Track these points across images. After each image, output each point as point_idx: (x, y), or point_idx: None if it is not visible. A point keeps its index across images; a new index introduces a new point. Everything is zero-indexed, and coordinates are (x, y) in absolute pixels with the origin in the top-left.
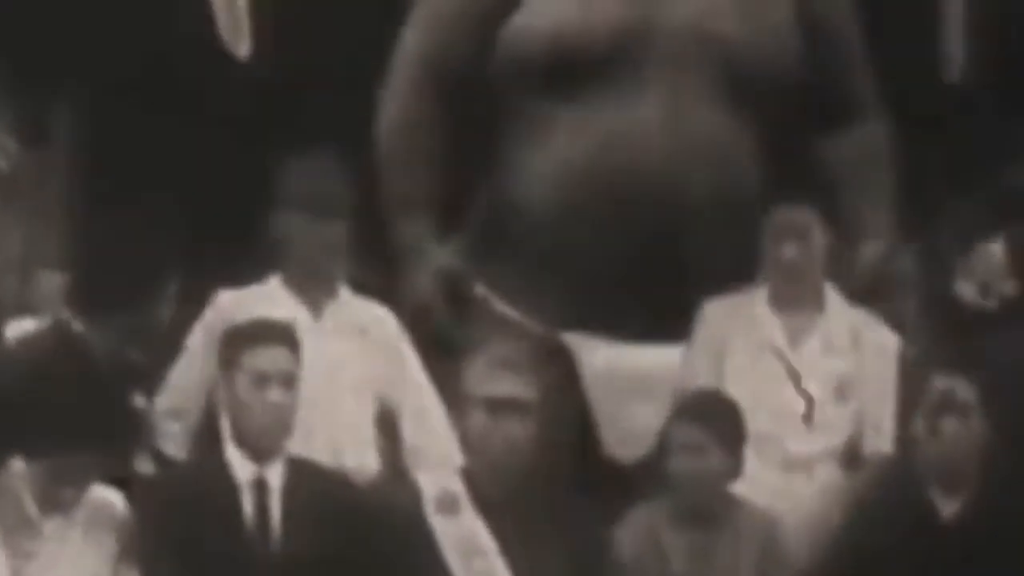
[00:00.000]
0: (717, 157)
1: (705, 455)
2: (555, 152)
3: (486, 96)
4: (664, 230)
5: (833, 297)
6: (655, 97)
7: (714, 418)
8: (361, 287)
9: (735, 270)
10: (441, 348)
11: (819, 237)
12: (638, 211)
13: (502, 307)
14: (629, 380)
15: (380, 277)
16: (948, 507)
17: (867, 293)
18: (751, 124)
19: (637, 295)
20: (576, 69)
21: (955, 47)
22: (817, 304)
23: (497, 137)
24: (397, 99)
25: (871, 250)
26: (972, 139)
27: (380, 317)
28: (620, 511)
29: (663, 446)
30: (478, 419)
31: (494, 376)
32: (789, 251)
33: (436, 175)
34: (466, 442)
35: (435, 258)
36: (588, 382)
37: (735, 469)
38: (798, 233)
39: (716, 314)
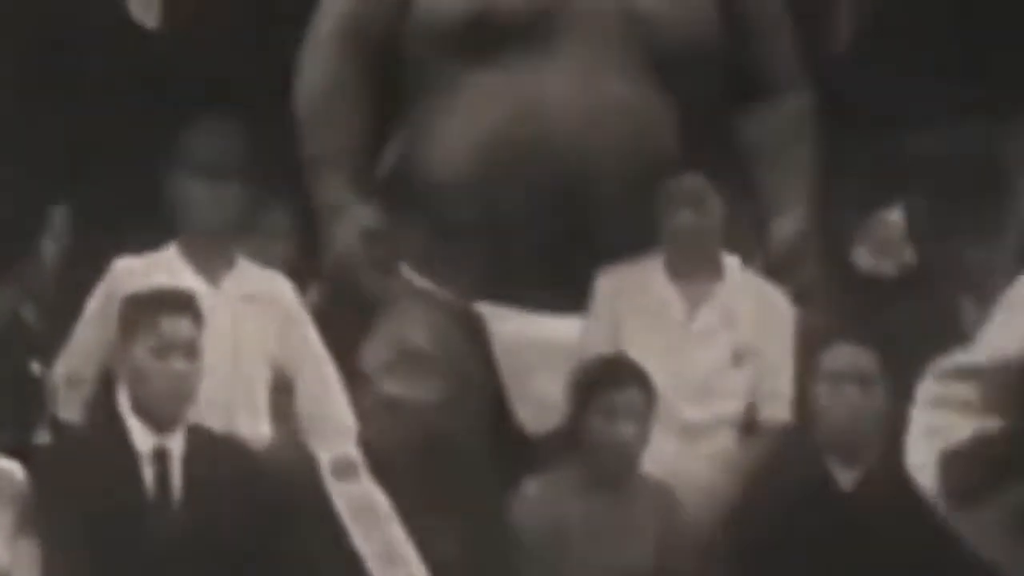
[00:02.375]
0: (632, 128)
1: (623, 422)
2: (468, 119)
3: (403, 59)
4: (575, 200)
5: (731, 265)
6: (571, 66)
7: (631, 385)
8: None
9: (646, 241)
10: (363, 306)
11: (715, 205)
12: (549, 180)
13: (413, 275)
14: (539, 350)
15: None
16: (847, 476)
17: (782, 268)
18: (670, 97)
19: (548, 265)
20: (493, 35)
21: (849, 16)
22: (715, 272)
23: (412, 102)
24: (317, 62)
25: (785, 226)
26: (870, 108)
27: (277, 285)
28: (522, 481)
29: (575, 413)
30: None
31: (393, 373)
32: (684, 219)
33: (356, 137)
34: (363, 411)
35: (359, 216)
36: (498, 352)
37: (647, 436)
38: (693, 201)
39: (612, 283)
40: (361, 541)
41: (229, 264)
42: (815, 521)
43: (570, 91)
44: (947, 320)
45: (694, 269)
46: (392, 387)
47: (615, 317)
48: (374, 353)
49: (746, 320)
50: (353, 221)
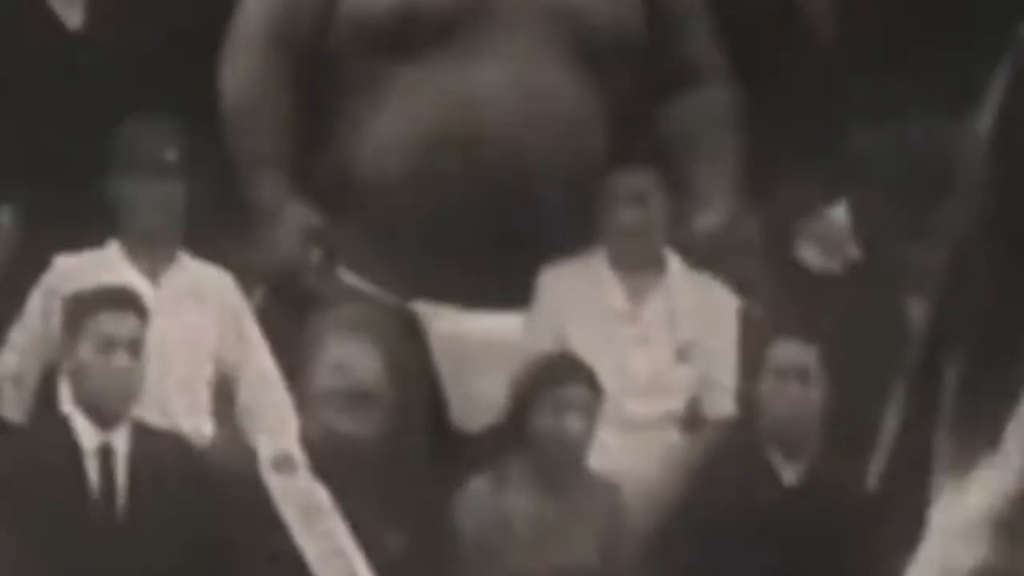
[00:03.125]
0: (564, 120)
1: (570, 419)
2: (401, 117)
3: (331, 58)
4: (510, 195)
5: (674, 261)
6: (501, 59)
7: (578, 382)
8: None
9: (582, 235)
10: (304, 306)
11: (658, 201)
12: (484, 177)
13: (349, 276)
14: (477, 347)
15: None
16: (789, 472)
17: (706, 261)
18: (597, 88)
19: (485, 261)
20: (421, 32)
21: (801, 12)
22: (658, 266)
23: (342, 100)
24: (243, 61)
25: (708, 218)
26: (815, 103)
27: (219, 281)
28: (465, 479)
29: (520, 410)
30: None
31: (341, 408)
32: (626, 216)
33: (289, 137)
34: (308, 435)
35: (298, 216)
36: (436, 350)
37: (593, 433)
38: (636, 198)
39: (556, 279)
40: (302, 536)
41: (170, 260)
42: (758, 515)
43: (502, 86)
44: (891, 317)
45: (637, 265)
46: (338, 421)
47: (559, 313)
48: (322, 379)
49: (690, 316)
50: (293, 221)
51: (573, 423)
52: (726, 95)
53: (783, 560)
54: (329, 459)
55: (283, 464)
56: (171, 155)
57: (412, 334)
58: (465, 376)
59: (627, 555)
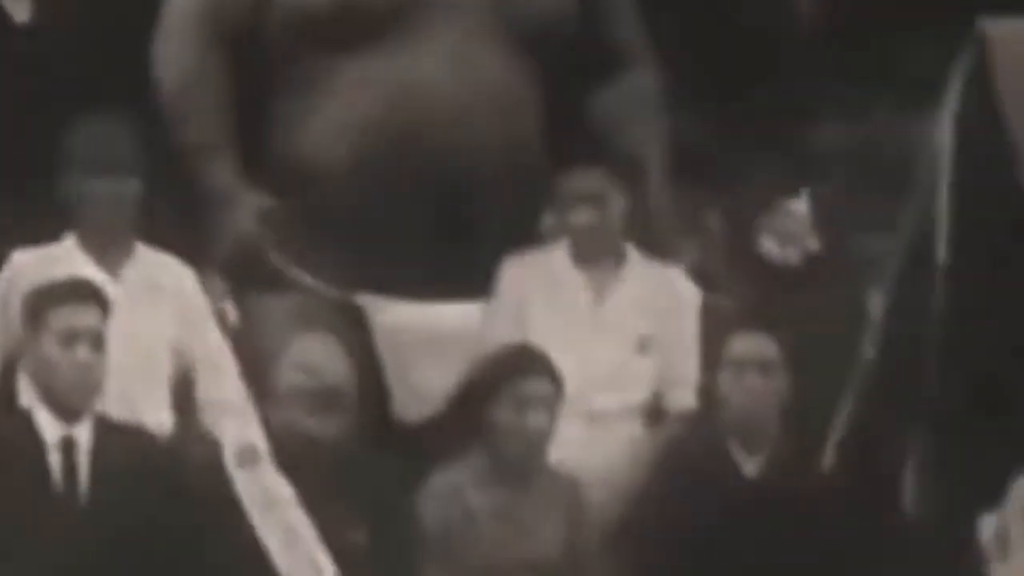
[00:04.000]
0: (503, 108)
1: (533, 412)
2: (342, 109)
3: (270, 50)
4: (452, 184)
5: (635, 252)
6: (439, 48)
7: (540, 375)
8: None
9: (521, 224)
10: (263, 295)
11: (614, 201)
12: (424, 166)
13: (292, 270)
14: (420, 339)
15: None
16: (750, 463)
17: (653, 244)
18: (532, 74)
19: (426, 252)
20: (359, 23)
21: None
22: (619, 259)
23: (282, 92)
24: (177, 50)
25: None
26: (777, 98)
27: (177, 273)
28: (412, 470)
29: (480, 403)
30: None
31: (306, 406)
32: (584, 216)
33: (231, 126)
34: (270, 405)
35: (253, 200)
36: (379, 342)
37: (554, 427)
38: (592, 198)
39: (517, 271)
40: (265, 528)
41: (128, 253)
42: (719, 508)
43: (440, 75)
44: (850, 309)
45: (598, 258)
46: (304, 421)
47: (520, 305)
48: (287, 377)
49: (651, 308)
50: (248, 205)
51: (534, 418)
52: (651, 80)
53: (744, 551)
54: (293, 454)
55: (246, 456)
56: (124, 150)
57: (358, 326)
58: (406, 367)
59: (590, 548)
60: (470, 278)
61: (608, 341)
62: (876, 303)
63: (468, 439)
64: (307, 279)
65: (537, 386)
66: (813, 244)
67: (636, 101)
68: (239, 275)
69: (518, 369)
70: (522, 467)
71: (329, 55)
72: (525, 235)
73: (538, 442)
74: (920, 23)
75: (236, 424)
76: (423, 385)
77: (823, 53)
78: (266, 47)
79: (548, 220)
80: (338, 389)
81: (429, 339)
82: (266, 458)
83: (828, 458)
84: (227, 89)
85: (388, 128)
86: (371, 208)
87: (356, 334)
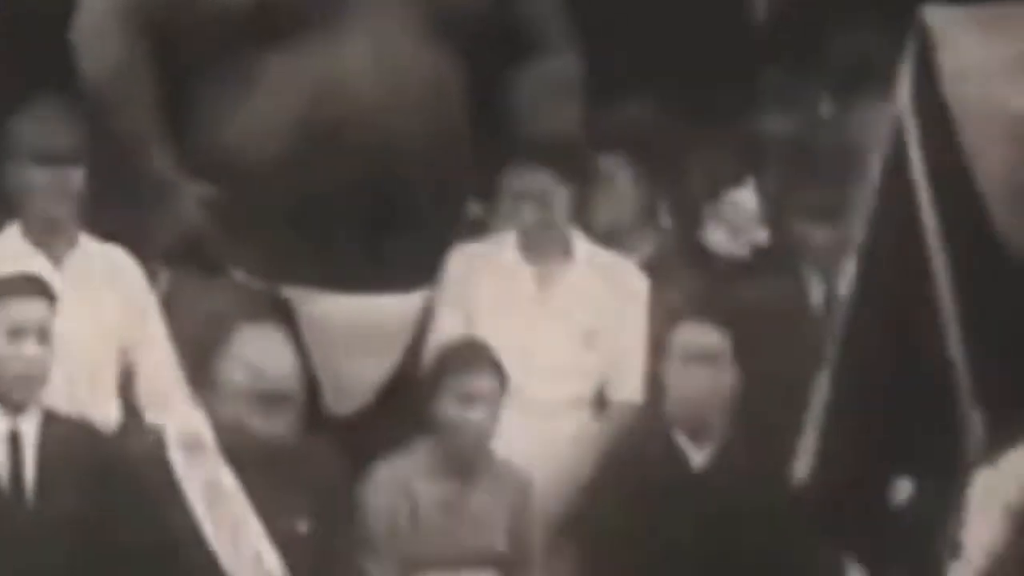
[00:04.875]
0: (427, 97)
1: (477, 407)
2: (270, 102)
3: (195, 42)
4: (379, 176)
5: (582, 244)
6: (361, 39)
7: (485, 370)
8: None
9: (448, 214)
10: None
11: (560, 198)
12: (351, 158)
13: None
14: (348, 332)
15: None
16: (697, 455)
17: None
18: (453, 60)
19: (354, 245)
20: (279, 15)
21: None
22: (566, 251)
23: (207, 86)
24: (100, 39)
25: None
26: (721, 86)
27: (121, 264)
28: (346, 463)
29: (426, 394)
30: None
31: (252, 405)
32: (530, 215)
33: (162, 115)
34: (214, 399)
35: (193, 189)
36: (307, 336)
37: (497, 420)
38: (537, 197)
39: (463, 262)
40: (208, 519)
41: (71, 243)
42: (665, 499)
43: (364, 65)
44: (796, 300)
45: (545, 251)
46: (251, 419)
47: (466, 297)
48: (233, 375)
49: (598, 300)
50: (191, 193)
51: (476, 413)
52: (569, 64)
53: (692, 545)
54: (237, 448)
55: (190, 446)
56: (68, 138)
57: (286, 319)
58: (337, 360)
59: (535, 540)
60: (399, 270)
61: (554, 333)
62: (819, 293)
63: (403, 432)
64: (236, 272)
65: (480, 381)
66: (760, 235)
67: (553, 84)
68: (181, 264)
69: (463, 364)
70: (467, 460)
71: (252, 49)
72: (453, 226)
73: (480, 437)
74: (861, 11)
75: (180, 414)
76: (352, 377)
77: (767, 41)
78: (193, 42)
79: (475, 210)
80: (283, 391)
81: (357, 331)
82: (211, 448)
83: (802, 453)
84: (156, 80)
85: (313, 122)
86: (298, 201)
87: (286, 327)
